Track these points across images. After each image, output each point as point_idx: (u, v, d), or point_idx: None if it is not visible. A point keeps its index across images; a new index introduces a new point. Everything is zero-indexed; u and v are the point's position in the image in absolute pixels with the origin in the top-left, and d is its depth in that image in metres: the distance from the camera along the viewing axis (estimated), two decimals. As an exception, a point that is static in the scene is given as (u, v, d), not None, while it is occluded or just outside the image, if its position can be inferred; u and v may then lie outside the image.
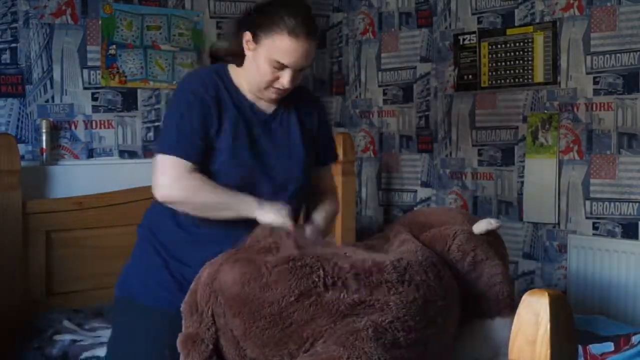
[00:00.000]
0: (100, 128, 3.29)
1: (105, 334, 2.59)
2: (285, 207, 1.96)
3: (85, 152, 3.24)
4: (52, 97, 3.16)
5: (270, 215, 1.92)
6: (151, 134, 3.43)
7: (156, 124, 3.44)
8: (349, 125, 4.24)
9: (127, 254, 3.02)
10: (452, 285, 1.80)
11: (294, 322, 1.60)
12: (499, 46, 3.58)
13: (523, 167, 3.50)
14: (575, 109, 3.32)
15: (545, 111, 3.42)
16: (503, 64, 3.57)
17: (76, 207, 2.98)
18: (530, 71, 3.46)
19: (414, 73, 3.96)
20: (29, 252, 2.83)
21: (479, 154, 3.70)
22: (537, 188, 3.43)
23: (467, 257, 1.91)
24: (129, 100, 3.36)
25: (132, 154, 3.38)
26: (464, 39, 3.72)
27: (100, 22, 3.26)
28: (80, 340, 2.54)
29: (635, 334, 2.25)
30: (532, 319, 1.13)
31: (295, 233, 1.85)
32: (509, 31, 3.54)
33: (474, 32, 3.68)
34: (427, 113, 3.92)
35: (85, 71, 3.24)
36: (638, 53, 3.12)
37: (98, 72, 3.27)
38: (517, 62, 3.51)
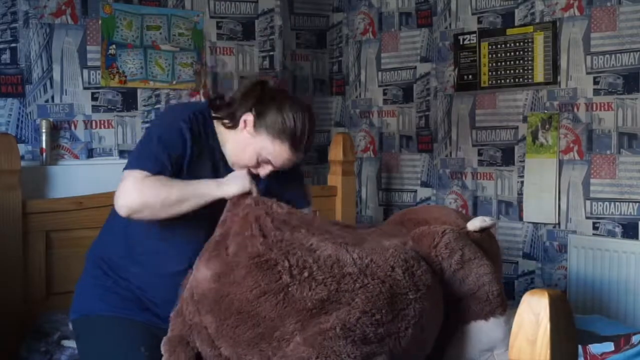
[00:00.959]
0: (100, 128, 3.29)
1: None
2: (244, 172, 1.98)
3: (85, 152, 3.24)
4: (52, 97, 3.16)
5: (234, 186, 1.92)
6: (151, 134, 3.43)
7: (156, 124, 3.44)
8: (349, 125, 4.24)
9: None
10: (428, 281, 1.79)
11: (262, 321, 1.63)
12: (499, 46, 3.58)
13: (523, 167, 3.50)
14: (575, 109, 3.32)
15: (545, 111, 3.42)
16: (503, 64, 3.57)
17: (76, 207, 2.97)
18: (530, 71, 3.46)
19: (414, 73, 3.96)
20: (29, 252, 2.82)
21: (479, 154, 3.70)
22: (537, 188, 3.43)
23: (455, 255, 1.90)
24: (128, 100, 3.36)
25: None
26: (464, 39, 3.72)
27: (100, 22, 3.26)
28: None
29: (635, 334, 2.24)
30: (532, 319, 1.13)
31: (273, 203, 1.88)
32: (509, 31, 3.54)
33: (474, 32, 3.68)
34: (427, 113, 3.92)
35: (85, 71, 3.24)
36: (638, 53, 3.12)
37: (98, 72, 3.27)
38: (517, 62, 3.51)
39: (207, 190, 1.92)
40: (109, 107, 3.31)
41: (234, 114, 2.02)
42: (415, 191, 3.98)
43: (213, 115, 2.05)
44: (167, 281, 1.93)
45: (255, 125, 1.98)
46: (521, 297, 1.16)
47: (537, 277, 3.48)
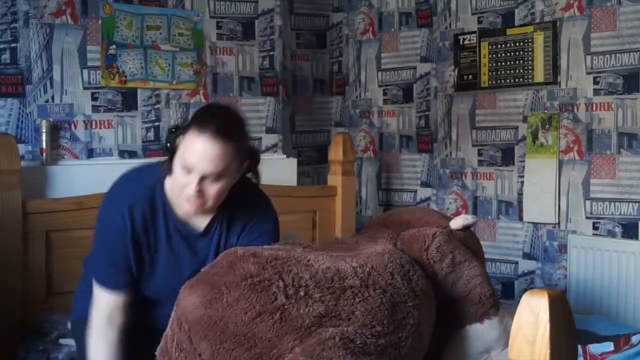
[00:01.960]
0: (100, 128, 3.29)
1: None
2: None
3: (85, 152, 3.24)
4: (52, 97, 3.16)
5: None
6: (151, 134, 3.43)
7: (156, 123, 3.44)
8: (349, 125, 4.24)
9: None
10: (423, 286, 1.79)
11: (259, 342, 1.59)
12: (499, 46, 3.58)
13: (523, 167, 3.50)
14: (575, 109, 3.32)
15: (545, 111, 3.42)
16: (503, 64, 3.57)
17: (76, 207, 2.97)
18: (530, 71, 3.46)
19: (414, 73, 3.96)
20: (29, 252, 2.82)
21: (479, 154, 3.70)
22: (537, 188, 3.43)
23: (446, 258, 1.91)
24: (129, 100, 3.36)
25: (132, 154, 3.37)
26: (464, 39, 3.72)
27: (100, 22, 3.26)
28: None
29: (635, 334, 2.24)
30: (532, 319, 1.13)
31: None
32: (509, 31, 3.54)
33: (474, 32, 3.68)
34: (427, 113, 3.92)
35: (85, 71, 3.23)
36: (638, 53, 3.12)
37: (98, 72, 3.27)
38: (517, 62, 3.51)
39: None
40: (109, 107, 3.31)
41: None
42: (415, 191, 3.98)
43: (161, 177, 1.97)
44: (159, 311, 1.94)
45: (175, 143, 1.88)
46: (521, 297, 1.16)
47: (537, 277, 3.48)
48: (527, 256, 3.52)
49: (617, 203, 3.21)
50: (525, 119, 3.50)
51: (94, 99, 3.26)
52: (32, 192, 2.95)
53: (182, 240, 1.95)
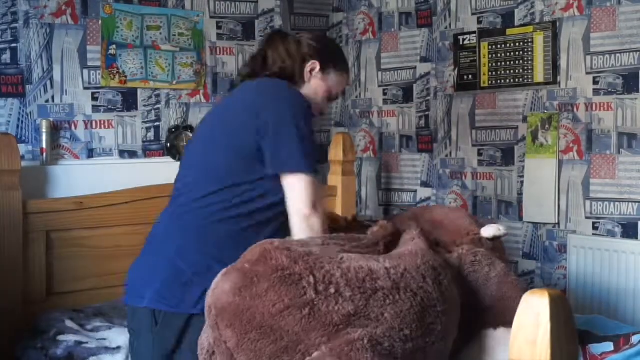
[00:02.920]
0: (101, 128, 3.29)
1: (108, 335, 2.59)
2: None
3: (85, 152, 3.24)
4: (52, 97, 3.16)
5: None
6: (151, 134, 3.43)
7: (156, 123, 3.44)
8: (349, 125, 4.25)
9: (127, 254, 3.02)
10: (452, 291, 1.78)
11: (285, 335, 1.58)
12: (499, 46, 3.58)
13: (523, 167, 3.51)
14: (575, 109, 3.33)
15: (545, 111, 3.42)
16: (503, 64, 3.57)
17: (76, 207, 2.98)
18: (530, 71, 3.46)
19: (414, 73, 3.96)
20: (29, 252, 2.83)
21: (479, 154, 3.70)
22: (537, 188, 3.44)
23: (482, 270, 1.90)
24: (129, 101, 3.36)
25: (132, 154, 3.38)
26: (464, 39, 3.72)
27: (100, 22, 3.26)
28: (85, 343, 2.53)
29: (635, 334, 2.25)
30: (532, 319, 1.13)
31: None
32: (509, 31, 3.54)
33: (474, 32, 3.68)
34: (427, 113, 3.92)
35: (86, 71, 3.24)
36: (638, 53, 3.12)
37: (98, 72, 3.27)
38: (517, 62, 3.51)
39: None
40: (109, 107, 3.31)
41: (294, 72, 2.14)
42: (415, 191, 3.98)
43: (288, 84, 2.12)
44: None
45: (321, 69, 2.16)
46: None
47: (537, 277, 3.49)
48: (527, 256, 3.52)
49: (617, 203, 3.21)
50: (525, 119, 3.50)
51: (94, 99, 3.27)
52: (32, 192, 2.95)
53: None
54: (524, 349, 1.14)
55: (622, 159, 3.19)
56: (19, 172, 2.80)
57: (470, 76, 3.70)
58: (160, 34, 3.43)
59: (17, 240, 2.78)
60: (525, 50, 3.47)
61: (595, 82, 3.25)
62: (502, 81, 3.58)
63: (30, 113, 3.11)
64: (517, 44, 3.50)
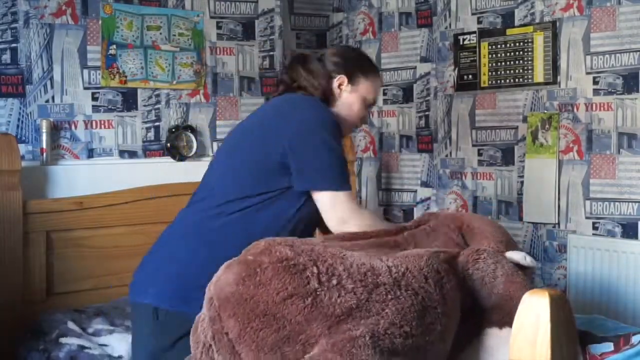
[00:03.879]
0: (101, 128, 3.29)
1: (110, 341, 2.58)
2: None
3: (85, 152, 3.24)
4: (53, 97, 3.16)
5: None
6: (151, 134, 3.43)
7: (156, 124, 3.44)
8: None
9: (127, 254, 3.03)
10: (455, 296, 1.79)
11: (287, 324, 1.59)
12: (499, 46, 3.58)
13: (523, 167, 3.51)
14: (575, 109, 3.33)
15: (545, 111, 3.42)
16: (503, 64, 3.57)
17: (76, 207, 2.98)
18: (530, 71, 3.46)
19: (414, 73, 3.96)
20: (29, 252, 2.83)
21: (479, 154, 3.70)
22: (537, 188, 3.44)
23: (488, 268, 1.90)
24: (129, 101, 3.36)
25: (132, 154, 3.38)
26: (464, 39, 3.72)
27: (100, 22, 3.26)
28: (88, 348, 2.53)
29: (635, 334, 2.24)
30: (532, 319, 1.13)
31: None
32: (509, 31, 3.54)
33: (474, 32, 3.68)
34: (427, 113, 3.93)
35: (86, 71, 3.24)
36: (638, 53, 3.12)
37: (98, 72, 3.27)
38: (517, 62, 3.51)
39: None
40: (110, 107, 3.31)
41: (323, 90, 2.14)
42: (415, 191, 3.99)
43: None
44: None
45: (350, 81, 2.15)
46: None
47: (537, 277, 3.49)
48: (527, 256, 3.51)
49: (616, 203, 3.21)
50: (525, 119, 3.50)
51: (94, 99, 3.27)
52: (32, 192, 2.95)
53: None
54: (524, 349, 1.15)
55: (622, 159, 3.19)
56: (19, 172, 2.80)
57: (470, 76, 3.70)
58: (160, 34, 3.43)
59: (17, 240, 2.78)
60: (525, 50, 3.47)
61: (595, 82, 3.25)
62: (502, 81, 3.58)
63: (30, 113, 3.11)
64: (517, 44, 3.50)
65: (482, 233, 2.08)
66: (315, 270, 1.64)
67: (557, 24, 3.36)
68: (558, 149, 3.37)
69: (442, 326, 1.70)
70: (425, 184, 3.95)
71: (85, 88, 3.24)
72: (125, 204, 3.10)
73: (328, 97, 2.14)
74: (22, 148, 2.99)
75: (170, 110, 3.48)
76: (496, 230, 2.19)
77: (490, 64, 3.62)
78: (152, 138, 3.43)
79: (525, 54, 3.47)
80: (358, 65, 2.20)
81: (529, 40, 3.46)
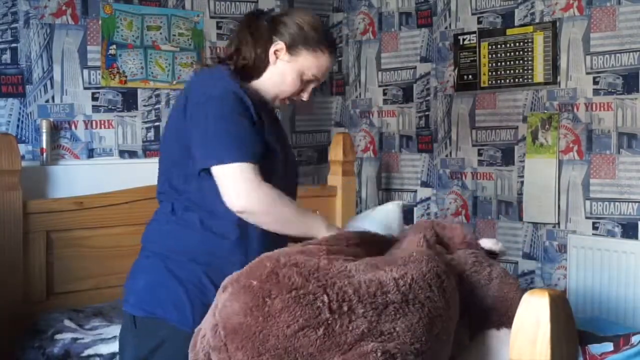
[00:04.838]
0: (101, 128, 3.29)
1: (106, 331, 2.60)
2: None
3: (85, 152, 3.24)
4: (53, 97, 3.16)
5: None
6: (151, 134, 3.43)
7: (156, 124, 3.44)
8: (349, 125, 4.25)
9: (127, 254, 3.02)
10: (454, 297, 1.79)
11: (299, 357, 1.53)
12: (499, 46, 3.58)
13: (523, 167, 3.51)
14: (575, 109, 3.33)
15: (545, 111, 3.42)
16: (503, 64, 3.57)
17: (76, 207, 2.98)
18: (530, 71, 3.46)
19: (414, 73, 3.96)
20: (29, 252, 2.83)
21: (479, 154, 3.70)
22: (537, 188, 3.44)
23: (484, 270, 1.91)
24: (129, 100, 3.36)
25: (132, 154, 3.38)
26: (464, 39, 3.72)
27: (100, 22, 3.26)
28: (81, 338, 2.54)
29: (635, 334, 2.24)
30: (532, 319, 1.13)
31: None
32: (509, 31, 3.54)
33: (474, 32, 3.68)
34: (427, 113, 3.93)
35: (86, 71, 3.24)
36: (638, 53, 3.12)
37: (98, 72, 3.27)
38: (517, 62, 3.51)
39: (315, 227, 1.91)
40: (109, 107, 3.31)
41: (256, 57, 1.96)
42: (415, 191, 3.99)
43: (239, 78, 1.96)
44: None
45: (288, 50, 1.95)
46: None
47: (537, 277, 3.49)
48: (527, 256, 3.52)
49: (616, 203, 3.21)
50: (525, 119, 3.50)
51: (94, 99, 3.27)
52: (32, 192, 2.95)
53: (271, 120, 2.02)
54: (524, 349, 1.14)
55: (622, 159, 3.19)
56: (19, 172, 2.80)
57: (470, 76, 3.70)
58: (160, 34, 3.43)
59: (17, 240, 2.78)
60: (525, 50, 3.47)
61: (595, 82, 3.25)
62: (502, 81, 3.58)
63: (30, 113, 3.11)
64: (517, 44, 3.50)
65: (452, 226, 2.09)
66: (325, 299, 1.57)
67: (557, 24, 3.36)
68: (558, 149, 3.37)
69: (447, 333, 1.69)
70: (425, 184, 3.95)
71: (85, 88, 3.24)
72: (125, 204, 3.10)
73: (260, 64, 1.97)
74: (22, 148, 2.99)
75: (170, 110, 3.48)
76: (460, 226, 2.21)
77: (490, 64, 3.62)
78: (152, 138, 3.43)
79: (525, 54, 3.47)
80: (305, 35, 1.96)
81: (529, 40, 3.46)
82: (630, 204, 3.17)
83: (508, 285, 1.93)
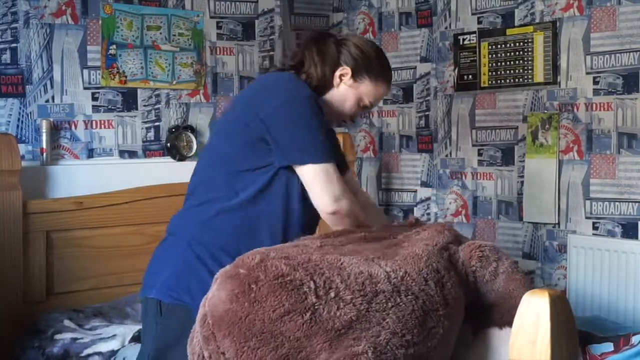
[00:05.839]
0: (101, 128, 3.29)
1: (105, 330, 2.60)
2: None
3: (85, 152, 3.24)
4: (52, 97, 3.16)
5: None
6: (151, 134, 3.43)
7: (156, 123, 3.44)
8: (349, 125, 4.24)
9: (127, 254, 3.04)
10: (456, 294, 1.76)
11: (286, 341, 1.53)
12: (499, 46, 3.58)
13: (523, 167, 3.51)
14: (575, 109, 3.33)
15: (545, 111, 3.42)
16: (503, 64, 3.57)
17: (76, 207, 2.98)
18: (530, 71, 3.46)
19: (414, 73, 3.96)
20: (29, 252, 2.83)
21: (479, 154, 3.70)
22: (537, 188, 3.44)
23: (490, 265, 1.88)
24: (129, 100, 3.36)
25: (132, 154, 3.38)
26: (464, 39, 3.72)
27: (100, 22, 3.26)
28: (81, 338, 2.55)
29: (635, 334, 2.24)
30: (532, 319, 1.13)
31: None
32: (509, 31, 3.54)
33: (474, 32, 3.68)
34: (427, 113, 3.93)
35: (86, 71, 3.24)
36: (638, 53, 3.12)
37: (98, 72, 3.27)
38: (517, 62, 3.51)
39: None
40: (109, 107, 3.31)
41: (321, 77, 2.07)
42: (415, 191, 3.99)
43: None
44: None
45: (353, 76, 2.07)
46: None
47: (537, 277, 3.49)
48: (527, 256, 3.52)
49: (617, 203, 3.21)
50: (525, 119, 3.50)
51: (94, 99, 3.27)
52: (32, 192, 2.95)
53: None
54: (524, 349, 1.15)
55: (622, 159, 3.19)
56: (19, 172, 2.80)
57: (470, 76, 3.70)
58: (160, 34, 3.43)
59: (17, 240, 2.78)
60: (525, 50, 3.47)
61: (595, 82, 3.25)
62: (502, 81, 3.58)
63: (30, 113, 3.11)
64: (517, 44, 3.50)
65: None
66: (312, 285, 1.58)
67: (557, 24, 3.36)
68: (558, 149, 3.37)
69: (444, 329, 1.67)
70: (425, 184, 3.95)
71: (85, 88, 3.24)
72: (125, 204, 3.10)
73: (324, 84, 2.09)
74: (22, 148, 2.99)
75: (170, 110, 3.48)
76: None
77: (490, 64, 3.62)
78: (152, 138, 3.43)
79: (525, 54, 3.47)
80: (370, 64, 2.11)
81: (529, 40, 3.46)
82: (630, 204, 3.17)
83: (514, 281, 1.89)
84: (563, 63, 3.35)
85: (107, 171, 3.24)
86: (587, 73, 3.28)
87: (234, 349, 1.55)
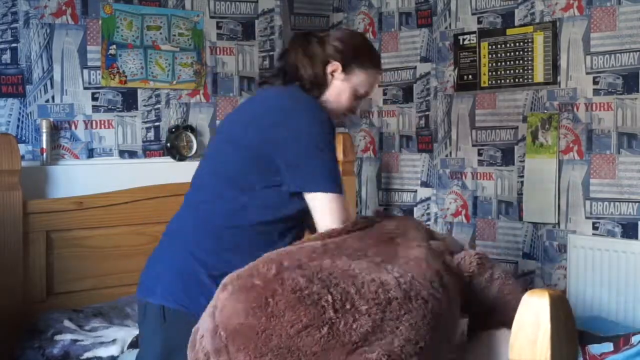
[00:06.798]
0: (101, 128, 3.29)
1: (105, 333, 2.60)
2: None
3: (85, 152, 3.24)
4: (53, 97, 3.16)
5: None
6: (151, 134, 3.43)
7: (156, 123, 3.44)
8: (349, 125, 4.24)
9: (127, 254, 3.04)
10: (455, 294, 1.78)
11: (303, 356, 1.51)
12: (499, 46, 3.58)
13: (523, 167, 3.51)
14: (575, 109, 3.33)
15: (545, 111, 3.42)
16: (503, 64, 3.57)
17: (76, 207, 2.98)
18: (530, 71, 3.46)
19: (414, 73, 3.96)
20: (29, 252, 2.83)
21: (479, 154, 3.70)
22: (537, 188, 3.44)
23: (486, 272, 1.91)
24: (129, 100, 3.36)
25: (132, 154, 3.38)
26: (464, 39, 3.72)
27: (100, 22, 3.26)
28: (81, 340, 2.55)
29: (634, 334, 2.25)
30: (532, 319, 1.13)
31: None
32: (509, 31, 3.54)
33: (474, 32, 3.68)
34: (427, 113, 3.93)
35: (86, 71, 3.24)
36: (638, 53, 3.12)
37: (98, 72, 3.27)
38: (517, 62, 3.51)
39: None
40: (109, 107, 3.31)
41: (314, 77, 2.07)
42: (415, 191, 3.98)
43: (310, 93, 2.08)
44: None
45: (343, 70, 2.08)
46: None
47: (537, 277, 3.49)
48: (527, 256, 3.52)
49: (616, 203, 3.21)
50: (525, 119, 3.50)
51: (94, 99, 3.27)
52: (32, 192, 2.95)
53: None
54: (524, 349, 1.14)
55: (622, 159, 3.19)
56: (19, 172, 2.80)
57: (470, 76, 3.70)
58: (160, 34, 3.43)
59: (17, 240, 2.78)
60: (525, 50, 3.47)
61: (595, 82, 3.25)
62: (502, 81, 3.58)
63: (30, 113, 3.11)
64: (517, 44, 3.50)
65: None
66: (329, 298, 1.56)
67: (557, 24, 3.36)
68: (558, 149, 3.37)
69: (449, 328, 1.69)
70: (425, 184, 3.95)
71: (85, 88, 3.24)
72: (125, 204, 3.10)
73: (319, 83, 2.09)
74: (22, 148, 2.99)
75: (170, 110, 3.48)
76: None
77: (490, 64, 3.62)
78: (152, 138, 3.43)
79: (525, 54, 3.47)
80: (357, 54, 2.11)
81: (529, 40, 3.46)
82: (630, 204, 3.17)
83: (507, 286, 1.93)
84: (563, 63, 3.35)
85: (107, 171, 3.24)
86: (587, 73, 3.28)
87: None
